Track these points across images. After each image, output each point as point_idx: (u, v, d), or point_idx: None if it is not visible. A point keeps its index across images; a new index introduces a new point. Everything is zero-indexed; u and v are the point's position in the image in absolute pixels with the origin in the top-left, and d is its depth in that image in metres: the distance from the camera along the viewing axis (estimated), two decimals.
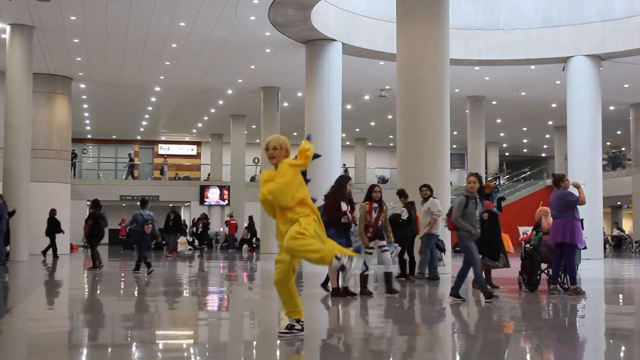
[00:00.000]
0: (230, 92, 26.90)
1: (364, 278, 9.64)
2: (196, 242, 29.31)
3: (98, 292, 11.29)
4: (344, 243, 9.15)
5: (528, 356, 5.65)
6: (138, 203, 16.22)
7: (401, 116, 14.39)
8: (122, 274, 15.02)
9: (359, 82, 24.54)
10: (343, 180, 9.74)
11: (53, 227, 20.39)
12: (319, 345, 5.98)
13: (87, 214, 19.69)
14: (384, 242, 9.70)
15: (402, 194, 13.01)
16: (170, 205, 24.08)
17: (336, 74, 19.56)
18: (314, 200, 5.97)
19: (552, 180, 10.22)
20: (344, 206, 9.42)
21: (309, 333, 6.10)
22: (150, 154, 41.12)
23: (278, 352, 5.73)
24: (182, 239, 24.40)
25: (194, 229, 29.65)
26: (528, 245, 10.65)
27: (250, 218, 29.37)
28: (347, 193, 9.55)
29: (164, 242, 23.20)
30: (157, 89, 26.28)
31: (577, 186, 9.94)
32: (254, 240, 29.39)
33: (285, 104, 27.97)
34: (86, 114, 31.93)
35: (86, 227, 15.67)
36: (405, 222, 12.57)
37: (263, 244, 25.14)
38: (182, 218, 30.84)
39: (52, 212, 20.62)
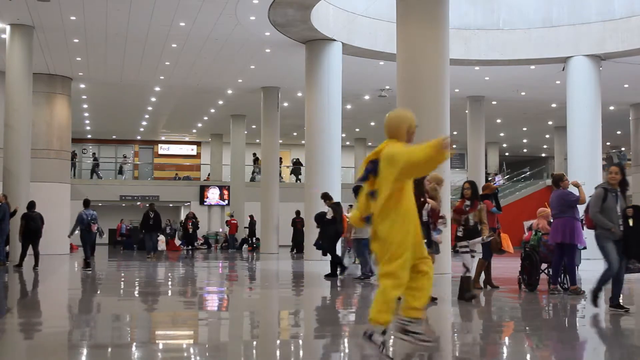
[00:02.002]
0: (230, 92, 26.90)
1: (465, 280, 8.90)
2: (197, 243, 29.26)
3: (98, 292, 11.29)
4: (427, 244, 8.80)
5: (528, 356, 5.65)
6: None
7: None
8: (122, 274, 15.03)
9: (359, 82, 24.54)
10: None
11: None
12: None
13: None
14: (466, 243, 9.01)
15: (326, 197, 13.50)
16: (147, 204, 22.36)
17: (336, 74, 19.56)
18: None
19: (552, 180, 10.21)
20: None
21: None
22: (150, 154, 41.13)
23: (278, 352, 5.73)
24: (161, 238, 23.00)
25: (182, 229, 29.23)
26: (528, 245, 10.65)
27: (251, 217, 29.37)
28: (425, 189, 8.96)
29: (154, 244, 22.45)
30: (157, 89, 26.28)
31: (577, 185, 9.93)
32: (253, 239, 29.38)
33: (285, 104, 27.97)
34: (86, 114, 31.93)
35: (20, 227, 16.09)
36: (331, 221, 13.05)
37: (263, 243, 25.15)
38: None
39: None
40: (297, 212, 25.88)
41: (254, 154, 36.89)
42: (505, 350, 6.01)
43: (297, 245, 25.21)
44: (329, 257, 13.45)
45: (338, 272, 13.11)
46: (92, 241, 15.53)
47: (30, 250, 16.09)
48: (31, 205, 16.25)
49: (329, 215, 13.16)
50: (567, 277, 9.91)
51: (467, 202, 9.12)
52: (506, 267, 15.67)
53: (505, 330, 7.20)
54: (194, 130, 37.56)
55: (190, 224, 27.02)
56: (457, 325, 7.58)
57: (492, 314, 8.35)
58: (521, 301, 9.25)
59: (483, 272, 10.85)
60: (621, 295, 7.95)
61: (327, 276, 12.99)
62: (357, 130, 36.49)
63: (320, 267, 15.76)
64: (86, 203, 15.69)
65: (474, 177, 27.78)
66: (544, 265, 10.51)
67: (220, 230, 34.05)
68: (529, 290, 10.10)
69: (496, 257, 11.84)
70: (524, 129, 35.84)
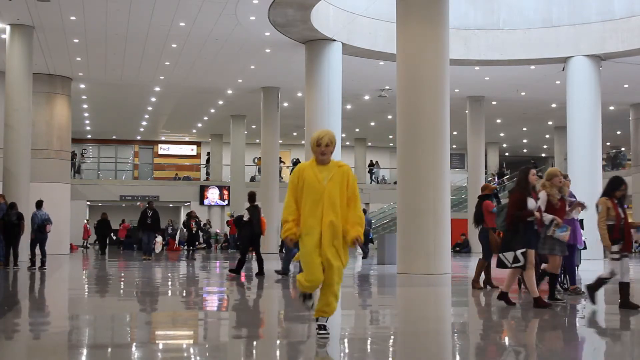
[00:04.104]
0: (230, 92, 26.90)
1: (624, 287, 8.03)
2: (198, 241, 29.19)
3: (97, 292, 11.29)
4: (532, 245, 8.13)
5: (528, 356, 5.65)
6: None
7: (401, 116, 14.38)
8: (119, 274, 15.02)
9: (359, 82, 24.54)
10: (524, 171, 8.35)
11: (105, 228, 25.61)
12: None
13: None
14: (617, 248, 7.98)
15: (250, 197, 13.97)
16: (149, 201, 21.42)
17: (336, 74, 19.56)
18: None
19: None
20: (531, 203, 8.12)
21: None
22: (150, 154, 41.12)
23: (278, 352, 5.73)
24: (159, 239, 22.45)
25: (185, 229, 29.02)
26: None
27: None
28: (532, 186, 8.24)
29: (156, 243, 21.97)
30: (157, 89, 26.28)
31: (582, 207, 9.70)
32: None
33: (285, 104, 27.97)
34: (86, 114, 31.94)
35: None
36: (247, 223, 13.62)
37: (263, 244, 25.08)
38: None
39: (104, 215, 26.21)
40: None
41: (255, 159, 37.03)
42: (505, 350, 6.00)
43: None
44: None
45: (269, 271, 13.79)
46: (44, 242, 15.87)
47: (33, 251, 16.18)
48: (12, 206, 16.27)
49: (246, 217, 13.83)
50: (567, 277, 9.90)
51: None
52: None
53: (505, 330, 7.20)
54: (194, 130, 37.57)
55: (193, 223, 26.89)
56: (457, 325, 7.58)
57: (492, 314, 8.35)
58: (521, 301, 9.24)
59: (483, 272, 10.87)
60: None
61: (257, 274, 13.42)
62: (357, 130, 36.50)
63: None
64: (39, 204, 16.04)
65: (473, 178, 27.76)
66: (544, 265, 10.50)
67: (217, 230, 34.08)
68: (528, 291, 10.07)
69: (496, 257, 11.83)
70: (524, 129, 35.84)
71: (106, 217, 26.36)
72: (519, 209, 8.10)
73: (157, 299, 9.94)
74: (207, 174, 38.23)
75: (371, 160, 40.16)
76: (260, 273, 13.36)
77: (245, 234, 13.73)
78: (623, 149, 34.10)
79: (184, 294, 10.76)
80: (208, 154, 39.35)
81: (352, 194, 5.70)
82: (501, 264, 8.38)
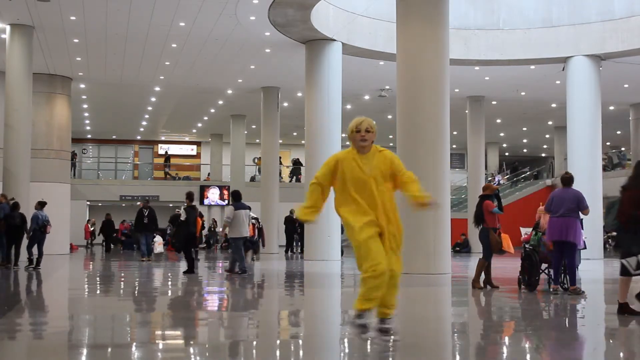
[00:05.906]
0: (230, 92, 26.90)
1: None
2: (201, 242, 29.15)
3: (98, 292, 11.29)
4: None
5: (528, 356, 5.65)
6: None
7: (401, 116, 14.38)
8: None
9: (359, 82, 24.54)
10: None
11: (109, 228, 26.97)
12: None
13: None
14: None
15: (188, 196, 14.28)
16: (145, 199, 20.78)
17: (336, 74, 19.56)
18: None
19: (564, 179, 10.00)
20: None
21: None
22: (150, 154, 41.12)
23: (278, 352, 5.73)
24: (158, 239, 21.79)
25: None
26: (528, 245, 10.65)
27: None
28: None
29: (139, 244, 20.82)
30: (157, 89, 26.28)
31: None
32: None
33: (285, 104, 27.97)
34: (86, 114, 31.94)
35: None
36: (183, 223, 14.06)
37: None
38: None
39: (108, 216, 27.33)
40: (292, 211, 25.68)
41: (255, 159, 37.01)
42: (505, 350, 6.00)
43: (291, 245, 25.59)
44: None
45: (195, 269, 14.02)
46: (43, 242, 16.01)
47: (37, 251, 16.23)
48: (14, 206, 16.28)
49: (182, 217, 14.19)
50: (567, 277, 9.91)
51: None
52: (506, 267, 15.68)
53: (505, 330, 7.19)
54: (194, 130, 37.57)
55: (200, 222, 26.78)
56: (457, 325, 7.57)
57: (492, 314, 8.35)
58: (521, 301, 9.24)
59: (483, 272, 10.87)
60: None
61: (185, 272, 13.75)
62: None
63: (319, 266, 15.76)
64: (42, 204, 16.19)
65: (473, 178, 27.79)
66: (544, 266, 10.52)
67: (220, 230, 34.02)
68: (528, 291, 10.10)
69: (496, 257, 11.84)
70: (524, 129, 35.85)
71: (110, 218, 26.63)
72: (636, 207, 7.29)
73: (153, 299, 9.94)
74: (167, 173, 38.07)
75: (297, 159, 37.00)
76: (190, 272, 13.67)
77: (181, 234, 14.25)
78: (623, 148, 34.10)
79: (184, 295, 10.76)
80: (166, 152, 39.43)
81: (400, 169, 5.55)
82: (624, 272, 7.41)
